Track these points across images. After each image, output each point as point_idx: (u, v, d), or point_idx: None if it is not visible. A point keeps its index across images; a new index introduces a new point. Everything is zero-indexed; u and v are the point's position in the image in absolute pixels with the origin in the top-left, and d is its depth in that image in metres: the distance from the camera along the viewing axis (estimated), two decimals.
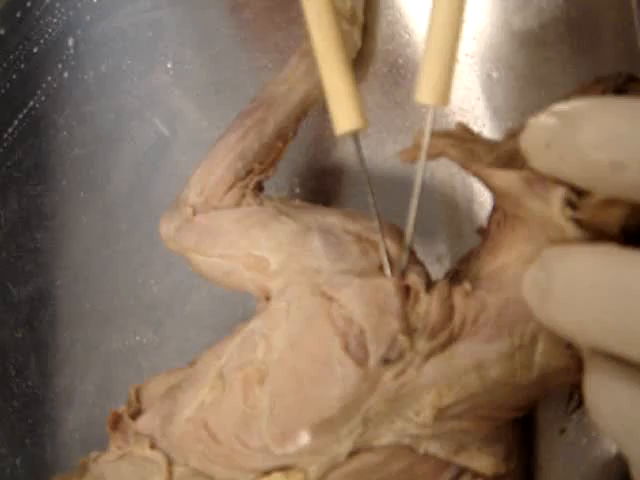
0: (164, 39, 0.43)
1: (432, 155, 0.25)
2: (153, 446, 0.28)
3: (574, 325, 0.17)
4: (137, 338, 0.40)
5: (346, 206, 0.36)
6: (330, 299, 0.25)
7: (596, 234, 0.20)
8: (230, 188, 0.31)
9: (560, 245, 0.19)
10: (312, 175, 0.37)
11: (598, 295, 0.16)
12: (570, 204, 0.20)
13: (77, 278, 0.43)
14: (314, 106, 0.33)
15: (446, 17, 0.22)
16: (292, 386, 0.25)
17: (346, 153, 0.37)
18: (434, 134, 0.26)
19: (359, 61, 0.37)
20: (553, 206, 0.21)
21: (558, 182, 0.21)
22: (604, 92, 0.26)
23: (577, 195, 0.20)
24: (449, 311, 0.24)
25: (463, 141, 0.25)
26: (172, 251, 0.32)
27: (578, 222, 0.20)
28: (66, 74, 0.47)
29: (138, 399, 0.32)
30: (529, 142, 0.19)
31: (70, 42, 0.47)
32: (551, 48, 0.32)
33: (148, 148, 0.43)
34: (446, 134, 0.26)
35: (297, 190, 0.37)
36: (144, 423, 0.29)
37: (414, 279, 0.25)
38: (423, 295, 0.24)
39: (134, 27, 0.45)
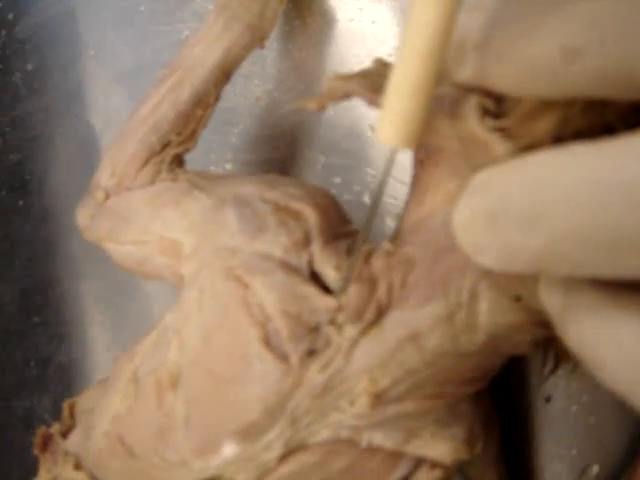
0: (83, 26, 0.40)
1: (339, 97, 0.22)
2: (78, 466, 0.25)
3: (545, 257, 0.13)
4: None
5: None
6: (246, 286, 0.22)
7: (523, 150, 0.16)
8: (144, 165, 0.27)
9: (493, 165, 0.15)
10: (246, 147, 0.33)
11: (579, 200, 0.12)
12: (488, 113, 0.17)
13: (24, 292, 0.40)
14: (237, 67, 0.29)
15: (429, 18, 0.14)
16: (208, 388, 0.21)
17: (282, 118, 0.33)
18: (344, 77, 0.22)
19: (288, 15, 0.34)
20: (469, 119, 0.17)
21: (470, 91, 0.17)
22: None
23: (495, 102, 0.17)
24: (370, 283, 0.20)
25: (380, 78, 0.22)
26: (92, 243, 0.28)
27: (504, 133, 0.16)
28: None
29: (72, 415, 0.29)
30: (452, 49, 0.15)
31: None
32: None
33: (81, 143, 0.39)
34: (361, 75, 0.22)
35: (228, 167, 0.33)
36: (71, 441, 0.26)
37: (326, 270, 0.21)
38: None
39: (53, 19, 0.41)
